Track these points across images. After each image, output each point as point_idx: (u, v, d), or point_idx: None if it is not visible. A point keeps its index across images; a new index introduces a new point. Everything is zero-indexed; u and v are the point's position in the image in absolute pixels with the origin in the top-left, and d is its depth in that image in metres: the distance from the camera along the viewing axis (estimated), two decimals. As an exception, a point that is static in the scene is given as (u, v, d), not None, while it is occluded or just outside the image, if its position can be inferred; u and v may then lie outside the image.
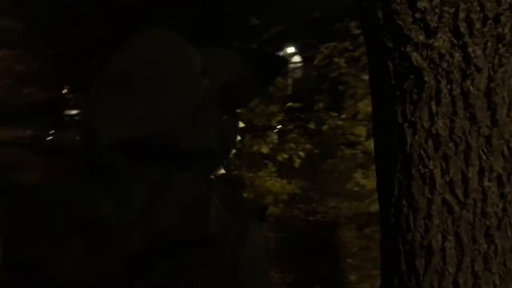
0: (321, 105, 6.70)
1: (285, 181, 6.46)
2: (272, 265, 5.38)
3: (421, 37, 1.38)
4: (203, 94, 0.94)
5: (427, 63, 1.38)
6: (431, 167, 1.40)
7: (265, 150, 6.42)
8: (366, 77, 6.33)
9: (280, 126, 7.11)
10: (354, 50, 6.54)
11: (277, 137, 6.95)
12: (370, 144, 6.35)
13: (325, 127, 6.42)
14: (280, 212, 6.56)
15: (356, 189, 6.37)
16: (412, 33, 1.39)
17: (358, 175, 6.33)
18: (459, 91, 1.35)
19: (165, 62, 0.93)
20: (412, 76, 1.41)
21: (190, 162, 0.95)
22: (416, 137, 1.42)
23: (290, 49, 8.87)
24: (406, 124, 1.44)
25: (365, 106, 6.38)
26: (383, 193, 1.62)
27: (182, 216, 0.88)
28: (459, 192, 1.37)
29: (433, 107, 1.38)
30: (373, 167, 5.40)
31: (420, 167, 1.42)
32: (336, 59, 6.52)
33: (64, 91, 18.67)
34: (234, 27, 7.58)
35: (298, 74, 8.55)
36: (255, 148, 6.49)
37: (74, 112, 16.00)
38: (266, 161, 6.74)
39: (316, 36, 7.04)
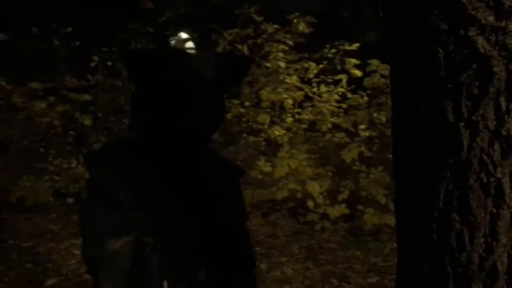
0: (224, 93, 6.34)
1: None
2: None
3: (491, 19, 1.09)
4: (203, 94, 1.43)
5: (497, 51, 1.09)
6: (498, 175, 1.12)
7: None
8: (268, 64, 6.09)
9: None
10: (257, 37, 6.26)
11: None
12: (273, 132, 6.15)
13: (229, 115, 6.08)
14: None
15: (260, 176, 6.13)
16: (479, 14, 1.09)
17: (261, 163, 6.09)
18: (539, 84, 1.09)
19: (187, 77, 1.42)
20: (474, 66, 1.12)
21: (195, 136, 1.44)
22: (478, 139, 1.13)
23: (184, 35, 8.37)
24: (461, 124, 1.15)
25: (268, 93, 6.16)
26: (410, 205, 1.32)
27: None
28: (535, 205, 1.11)
29: (503, 103, 1.10)
30: (278, 154, 5.17)
31: (482, 175, 1.14)
32: (239, 46, 6.20)
33: None
34: (127, 11, 6.93)
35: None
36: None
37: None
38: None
39: (215, 22, 6.64)
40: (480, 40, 1.10)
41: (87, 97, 6.33)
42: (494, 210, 1.13)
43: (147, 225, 1.36)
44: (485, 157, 1.13)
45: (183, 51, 1.82)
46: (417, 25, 1.20)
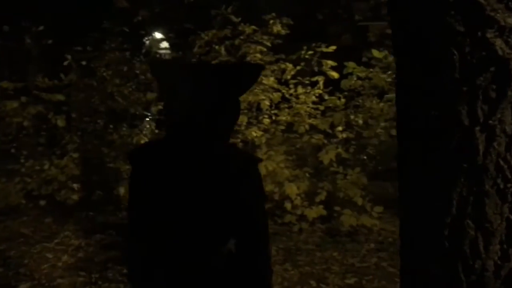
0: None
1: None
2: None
3: (510, 20, 1.05)
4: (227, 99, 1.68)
5: (516, 53, 1.06)
6: (516, 181, 1.09)
7: (144, 141, 5.79)
8: (246, 66, 6.01)
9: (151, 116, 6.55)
10: (234, 38, 6.18)
11: (155, 126, 6.34)
12: (251, 133, 6.08)
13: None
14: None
15: (237, 178, 6.04)
16: (498, 15, 1.06)
17: (238, 164, 6.01)
18: (559, 88, 1.05)
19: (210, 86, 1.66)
20: (492, 69, 1.08)
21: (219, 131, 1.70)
22: (495, 144, 1.10)
23: (159, 35, 8.22)
24: (477, 128, 1.11)
25: (245, 94, 6.08)
26: (419, 210, 1.28)
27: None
28: (553, 212, 1.08)
29: (521, 107, 1.07)
30: (256, 155, 5.09)
31: (499, 181, 1.10)
32: (216, 47, 6.10)
33: None
34: (101, 9, 6.75)
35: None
36: (135, 139, 5.83)
37: None
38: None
39: (191, 22, 6.53)
40: (499, 42, 1.06)
41: (60, 97, 6.15)
42: (511, 217, 1.10)
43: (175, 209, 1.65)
44: (502, 162, 1.10)
45: (202, 62, 2.17)
46: (431, 25, 1.15)
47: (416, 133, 1.26)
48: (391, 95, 5.92)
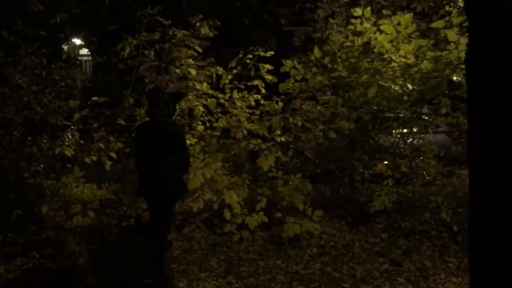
0: (131, 100, 5.69)
1: (95, 185, 5.30)
2: (88, 284, 4.33)
3: None
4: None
5: None
6: None
7: (69, 152, 5.16)
8: (178, 70, 5.60)
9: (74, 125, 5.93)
10: (164, 42, 5.71)
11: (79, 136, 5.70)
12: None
13: (137, 124, 5.45)
14: (90, 221, 5.41)
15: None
16: None
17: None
18: None
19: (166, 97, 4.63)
20: None
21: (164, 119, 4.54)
22: None
23: (78, 41, 7.52)
24: None
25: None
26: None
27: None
28: None
29: None
30: (192, 164, 4.65)
31: None
32: (145, 52, 5.61)
33: None
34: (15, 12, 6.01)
35: (87, 67, 7.35)
36: (57, 151, 5.18)
37: None
38: (69, 165, 5.48)
39: (116, 23, 5.98)
40: None
41: (-31, 108, 5.38)
42: None
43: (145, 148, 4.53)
44: None
45: (160, 91, 4.79)
46: None
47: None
48: (327, 97, 5.75)
